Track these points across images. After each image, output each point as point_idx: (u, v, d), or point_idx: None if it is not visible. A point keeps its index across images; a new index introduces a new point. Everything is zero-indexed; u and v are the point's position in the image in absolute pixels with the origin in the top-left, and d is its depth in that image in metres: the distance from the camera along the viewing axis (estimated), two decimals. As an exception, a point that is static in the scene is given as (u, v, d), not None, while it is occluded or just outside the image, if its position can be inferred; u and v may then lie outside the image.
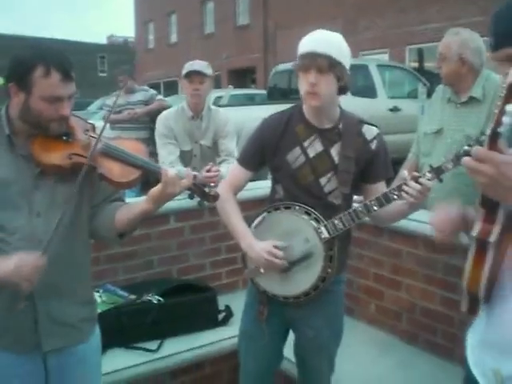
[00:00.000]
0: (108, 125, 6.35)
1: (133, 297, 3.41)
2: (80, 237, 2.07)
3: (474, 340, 1.68)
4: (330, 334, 2.50)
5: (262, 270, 2.41)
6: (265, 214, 2.44)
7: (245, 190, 2.62)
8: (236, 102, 10.97)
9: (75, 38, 43.09)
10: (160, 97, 7.41)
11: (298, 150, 2.35)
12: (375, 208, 2.21)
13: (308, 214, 2.31)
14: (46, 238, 1.83)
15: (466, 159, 1.29)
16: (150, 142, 6.31)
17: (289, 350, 2.67)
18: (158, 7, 33.61)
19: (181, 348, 3.31)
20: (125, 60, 32.36)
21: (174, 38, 33.64)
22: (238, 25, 27.77)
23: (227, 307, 3.65)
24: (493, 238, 1.38)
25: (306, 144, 2.34)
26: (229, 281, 4.08)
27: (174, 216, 3.82)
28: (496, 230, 1.39)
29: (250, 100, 12.47)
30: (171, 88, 29.73)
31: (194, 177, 2.01)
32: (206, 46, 29.00)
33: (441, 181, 2.12)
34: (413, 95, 9.92)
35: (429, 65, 15.36)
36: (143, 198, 2.02)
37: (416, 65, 15.74)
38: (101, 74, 41.91)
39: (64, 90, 1.88)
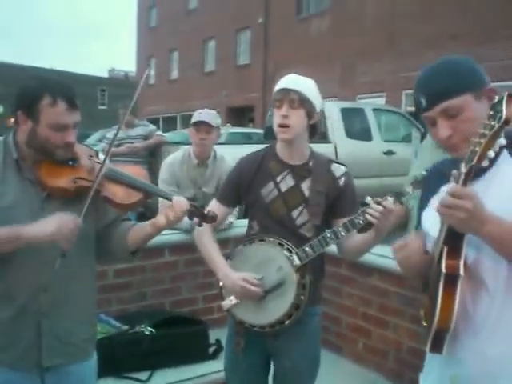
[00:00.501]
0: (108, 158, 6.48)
1: (125, 327, 3.47)
2: (85, 257, 2.17)
3: (435, 381, 1.75)
4: (306, 366, 2.57)
5: (237, 300, 2.49)
6: (240, 246, 2.55)
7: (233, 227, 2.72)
8: (233, 140, 11.11)
9: (75, 70, 43.46)
10: (159, 132, 7.55)
11: (271, 185, 2.48)
12: (342, 233, 2.31)
13: (281, 245, 2.42)
14: (52, 257, 1.92)
15: (445, 198, 1.42)
16: (149, 175, 6.42)
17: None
18: (160, 43, 34.07)
19: (171, 379, 3.36)
20: (125, 94, 32.71)
21: (174, 74, 34.03)
22: (239, 64, 28.17)
23: (218, 341, 3.71)
24: (462, 272, 1.48)
25: (278, 179, 2.48)
26: (220, 315, 4.12)
27: (168, 249, 3.90)
28: (462, 264, 1.49)
29: (248, 138, 12.62)
30: (170, 123, 30.06)
31: (193, 200, 2.17)
32: (206, 84, 29.35)
33: (401, 203, 2.24)
34: (407, 139, 10.05)
35: (424, 110, 15.60)
36: (151, 221, 2.16)
37: (413, 109, 16.04)
38: (101, 107, 42.20)
39: (69, 118, 2.00)
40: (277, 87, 2.45)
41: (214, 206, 2.63)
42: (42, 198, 2.05)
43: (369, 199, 2.21)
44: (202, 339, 3.64)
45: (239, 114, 27.37)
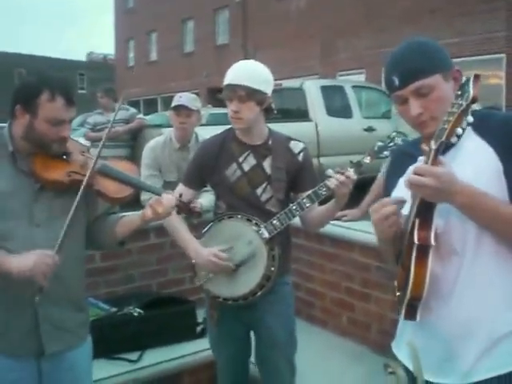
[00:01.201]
0: (89, 142, 6.50)
1: (114, 309, 3.54)
2: (77, 246, 2.24)
3: (406, 347, 1.82)
4: (283, 334, 2.66)
5: (210, 275, 2.58)
6: (210, 224, 2.64)
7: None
8: (215, 120, 11.10)
9: (54, 55, 42.98)
10: (140, 115, 7.55)
11: (234, 166, 2.59)
12: (307, 205, 2.44)
13: (249, 220, 2.53)
14: (45, 246, 1.99)
15: (410, 177, 1.50)
16: (131, 159, 6.44)
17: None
18: (138, 25, 33.72)
19: (160, 358, 3.44)
20: (104, 77, 32.42)
21: (153, 56, 33.74)
22: (218, 44, 28.00)
23: (205, 320, 3.76)
24: (433, 242, 1.55)
25: (240, 159, 2.59)
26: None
27: (154, 232, 3.95)
28: (433, 235, 1.56)
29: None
30: (151, 105, 29.86)
31: (180, 195, 2.27)
32: (185, 65, 29.17)
33: (360, 174, 2.37)
34: (387, 116, 10.13)
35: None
36: (139, 213, 2.23)
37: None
38: (80, 91, 41.79)
39: (66, 113, 2.08)
40: (225, 81, 2.56)
41: (181, 190, 2.69)
42: (36, 189, 2.11)
43: (330, 171, 2.34)
44: (189, 318, 3.72)
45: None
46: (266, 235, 2.48)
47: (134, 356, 3.39)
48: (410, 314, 1.65)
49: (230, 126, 2.64)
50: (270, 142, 2.61)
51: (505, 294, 1.63)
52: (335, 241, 3.67)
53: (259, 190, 2.57)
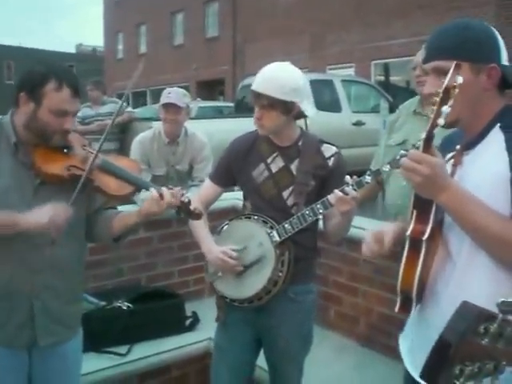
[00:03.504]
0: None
1: (103, 303, 3.54)
2: (76, 240, 2.23)
3: (407, 343, 1.83)
4: (299, 343, 2.63)
5: (219, 273, 2.57)
6: (227, 222, 2.63)
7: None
8: (204, 114, 11.11)
9: (43, 47, 42.65)
10: (129, 109, 7.55)
11: (262, 166, 2.53)
12: (321, 211, 2.35)
13: (265, 222, 2.48)
14: (43, 242, 2.00)
15: (404, 160, 1.48)
16: (120, 152, 6.44)
17: (260, 357, 2.76)
18: (127, 18, 33.56)
19: (149, 352, 3.44)
20: (93, 70, 32.21)
21: (143, 48, 33.58)
22: (207, 37, 27.91)
23: (194, 313, 3.80)
24: (426, 237, 1.54)
25: (269, 160, 2.53)
26: (196, 288, 4.23)
27: (143, 226, 3.95)
28: (428, 230, 1.55)
29: (218, 112, 12.61)
30: (140, 98, 29.74)
31: (182, 195, 2.21)
32: (175, 57, 29.07)
33: (378, 183, 2.28)
34: (376, 110, 10.15)
35: (394, 79, 15.73)
36: (136, 210, 2.23)
37: (382, 79, 16.14)
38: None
39: (71, 105, 2.05)
40: (253, 84, 2.45)
41: (207, 185, 2.71)
42: (36, 184, 2.09)
43: (348, 178, 2.20)
44: (178, 312, 3.73)
45: (209, 88, 27.21)
46: (277, 238, 2.43)
47: (122, 349, 3.39)
48: (403, 308, 1.65)
49: (219, 119, 2.60)
50: (299, 144, 2.53)
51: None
52: (323, 235, 3.69)
53: (285, 193, 2.49)
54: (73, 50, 53.73)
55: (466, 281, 1.58)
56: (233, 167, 2.61)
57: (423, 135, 1.48)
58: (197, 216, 2.30)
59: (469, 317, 0.98)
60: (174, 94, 4.09)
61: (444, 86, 1.41)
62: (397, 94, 11.09)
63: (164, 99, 4.08)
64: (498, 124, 1.60)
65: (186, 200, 2.22)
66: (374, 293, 3.48)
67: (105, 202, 2.34)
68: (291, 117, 2.47)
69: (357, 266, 3.58)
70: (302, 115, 2.52)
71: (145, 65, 2.38)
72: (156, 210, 2.14)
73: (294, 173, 2.50)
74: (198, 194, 2.77)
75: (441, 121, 1.44)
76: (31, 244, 2.04)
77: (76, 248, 2.24)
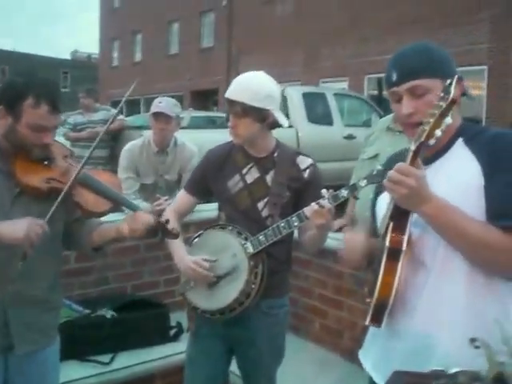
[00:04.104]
0: (69, 142, 6.50)
1: (87, 311, 3.53)
2: (51, 253, 2.21)
3: (371, 358, 1.84)
4: (272, 356, 2.62)
5: (191, 284, 2.54)
6: (200, 232, 2.61)
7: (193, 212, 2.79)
8: (196, 124, 11.12)
9: (38, 52, 42.70)
10: (121, 117, 7.56)
11: (237, 177, 2.53)
12: (296, 223, 2.32)
13: (239, 233, 2.46)
14: (14, 254, 1.97)
15: (391, 172, 1.52)
16: (110, 160, 6.44)
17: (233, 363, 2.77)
18: (123, 25, 33.63)
19: (133, 361, 3.43)
20: (88, 76, 32.25)
21: (138, 56, 33.66)
22: (203, 47, 28.01)
23: (179, 324, 3.78)
24: (404, 246, 1.58)
25: (244, 171, 2.52)
26: (181, 298, 4.19)
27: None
28: (406, 239, 1.59)
29: (211, 122, 12.62)
30: (134, 106, 29.74)
31: (160, 215, 2.23)
32: (169, 66, 29.13)
33: (356, 198, 2.29)
34: (368, 124, 10.20)
35: (387, 93, 15.76)
36: (116, 225, 2.23)
37: (375, 93, 16.21)
38: (63, 89, 41.49)
39: (50, 121, 2.03)
40: (226, 92, 2.46)
41: (182, 195, 2.70)
42: (15, 193, 2.08)
43: (324, 191, 2.18)
44: (162, 322, 3.72)
45: (203, 98, 27.25)
46: (251, 250, 2.40)
47: (106, 358, 3.38)
48: (375, 320, 1.65)
49: (210, 130, 2.60)
50: (275, 155, 2.53)
51: (469, 318, 1.58)
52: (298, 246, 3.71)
53: (260, 204, 2.48)
54: (68, 57, 53.80)
55: (442, 286, 1.62)
56: (208, 178, 2.61)
57: (412, 147, 1.52)
58: (174, 236, 2.29)
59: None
60: (164, 104, 4.09)
61: (451, 97, 1.46)
62: (389, 109, 11.09)
63: (154, 108, 4.08)
64: (461, 138, 1.68)
65: (164, 220, 2.21)
66: (358, 306, 3.48)
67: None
68: (265, 125, 2.47)
69: (342, 280, 3.59)
70: (276, 124, 2.50)
71: (139, 76, 2.36)
72: (134, 229, 2.13)
73: (269, 184, 2.49)
74: (173, 204, 2.77)
75: (438, 133, 1.49)
76: (2, 255, 2.02)
77: (50, 260, 2.21)
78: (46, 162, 2.13)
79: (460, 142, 1.68)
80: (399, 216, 1.60)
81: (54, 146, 2.15)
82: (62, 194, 2.05)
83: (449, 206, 1.55)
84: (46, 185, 2.08)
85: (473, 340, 1.07)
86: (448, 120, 1.49)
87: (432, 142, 1.50)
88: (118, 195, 2.25)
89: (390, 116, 3.41)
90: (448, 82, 1.49)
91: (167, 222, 2.22)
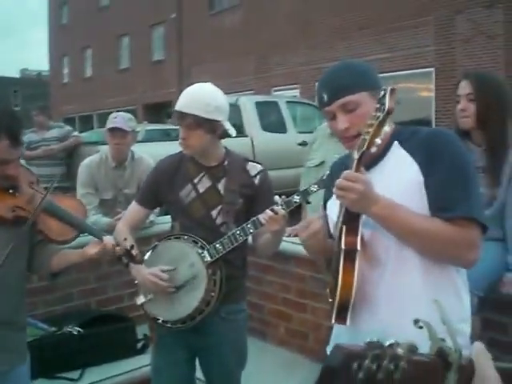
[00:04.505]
0: (24, 161, 6.43)
1: (53, 329, 3.52)
2: (18, 272, 2.21)
3: None
4: (235, 360, 2.65)
5: (150, 295, 2.55)
6: (156, 243, 2.63)
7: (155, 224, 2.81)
8: (151, 137, 11.08)
9: (-15, 72, 41.83)
10: (76, 133, 7.52)
11: (189, 187, 2.55)
12: (251, 230, 2.38)
13: (195, 242, 2.48)
14: None
15: (340, 180, 1.62)
16: (67, 177, 6.41)
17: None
18: (72, 41, 33.24)
19: (101, 376, 3.43)
20: (39, 94, 31.77)
21: (88, 72, 33.31)
22: (153, 60, 27.90)
23: (145, 336, 3.79)
24: (359, 246, 1.67)
25: (196, 181, 2.55)
26: (147, 311, 4.21)
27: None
28: (359, 240, 1.67)
29: (165, 135, 12.59)
30: (86, 122, 29.47)
31: (124, 241, 2.27)
32: (121, 81, 28.90)
33: (308, 203, 2.38)
34: (321, 130, 10.32)
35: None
36: (79, 250, 2.25)
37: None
38: (14, 108, 40.72)
39: (11, 154, 2.03)
40: (176, 105, 2.49)
41: (133, 208, 2.71)
42: None
43: (277, 198, 2.27)
44: (129, 335, 3.74)
45: (156, 111, 27.11)
46: (208, 258, 2.43)
47: (74, 375, 3.38)
48: (340, 318, 1.72)
49: (166, 142, 2.63)
50: (225, 163, 2.58)
51: (428, 309, 1.55)
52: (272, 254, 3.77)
53: (214, 213, 2.52)
54: (17, 75, 52.89)
55: (399, 279, 1.72)
56: (159, 188, 2.62)
57: (356, 155, 1.63)
58: (139, 261, 2.32)
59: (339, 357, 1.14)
60: (119, 119, 4.11)
61: (387, 107, 1.55)
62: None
63: (110, 124, 4.10)
64: (396, 141, 1.80)
65: (129, 246, 2.24)
66: (322, 308, 3.56)
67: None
68: (216, 136, 2.52)
69: (304, 283, 3.66)
70: (225, 134, 2.56)
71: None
72: (99, 257, 2.18)
73: (222, 192, 2.54)
74: (124, 217, 2.78)
75: (378, 141, 1.59)
76: None
77: (17, 278, 2.21)
78: (11, 191, 2.13)
79: (396, 144, 1.80)
80: (351, 219, 1.69)
81: (19, 171, 2.15)
82: (29, 222, 2.06)
83: (395, 204, 1.66)
84: (12, 213, 2.09)
85: (416, 321, 1.18)
86: (386, 128, 1.61)
87: (373, 149, 1.61)
88: (82, 223, 2.26)
89: None
90: (381, 93, 1.59)
91: (132, 247, 2.25)
